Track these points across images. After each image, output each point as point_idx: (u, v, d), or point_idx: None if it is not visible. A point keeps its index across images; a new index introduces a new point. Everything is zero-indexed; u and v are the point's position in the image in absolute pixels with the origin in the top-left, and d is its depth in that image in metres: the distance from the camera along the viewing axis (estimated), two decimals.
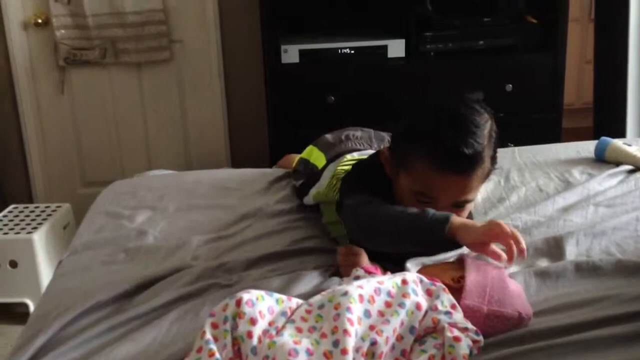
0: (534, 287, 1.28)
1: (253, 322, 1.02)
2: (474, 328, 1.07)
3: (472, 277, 1.14)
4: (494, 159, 1.28)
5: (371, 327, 1.03)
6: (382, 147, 1.69)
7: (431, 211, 1.19)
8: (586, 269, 1.32)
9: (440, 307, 1.08)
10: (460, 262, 1.21)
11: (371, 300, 1.06)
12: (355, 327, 1.01)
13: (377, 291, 1.08)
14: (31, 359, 1.13)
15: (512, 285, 1.18)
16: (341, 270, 1.31)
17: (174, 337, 1.16)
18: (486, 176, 1.29)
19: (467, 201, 1.28)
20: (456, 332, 1.04)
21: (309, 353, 0.98)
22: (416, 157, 1.24)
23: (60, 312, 1.23)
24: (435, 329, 1.06)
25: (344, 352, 0.98)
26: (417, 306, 1.07)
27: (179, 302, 1.26)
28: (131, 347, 1.13)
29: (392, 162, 1.32)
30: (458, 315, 1.08)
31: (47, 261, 2.34)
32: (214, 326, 1.03)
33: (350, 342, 0.99)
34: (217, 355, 0.99)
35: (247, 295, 1.05)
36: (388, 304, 1.07)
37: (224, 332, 1.01)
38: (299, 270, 1.34)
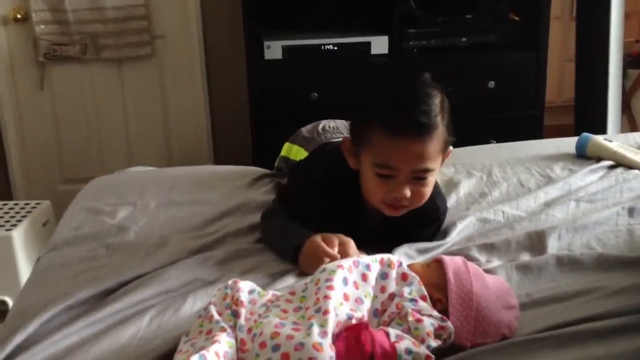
0: (515, 280, 1.28)
1: (242, 304, 1.06)
2: (439, 315, 1.07)
3: (455, 310, 1.09)
4: (449, 129, 1.31)
5: (345, 296, 1.05)
6: None
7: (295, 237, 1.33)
8: (567, 263, 1.33)
9: (406, 294, 1.08)
10: (439, 264, 1.17)
11: (349, 270, 1.09)
12: (336, 291, 1.04)
13: (356, 263, 1.11)
14: (9, 356, 1.12)
15: (497, 299, 1.12)
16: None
17: (154, 332, 1.14)
18: (444, 146, 1.31)
19: (427, 170, 1.30)
20: (418, 316, 1.05)
21: (296, 324, 1.00)
22: (372, 129, 1.29)
23: (39, 309, 1.21)
24: (399, 315, 1.06)
25: (326, 312, 1.00)
26: (381, 289, 1.09)
27: (159, 298, 1.25)
28: (111, 343, 1.12)
29: (353, 147, 1.35)
30: (424, 304, 1.08)
31: (27, 258, 2.31)
32: (219, 314, 1.06)
33: (332, 304, 1.01)
34: (229, 329, 1.03)
35: (241, 283, 1.11)
36: (364, 277, 1.09)
37: (228, 316, 1.06)
38: (284, 263, 1.34)
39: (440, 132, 1.28)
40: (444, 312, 1.09)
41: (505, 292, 1.17)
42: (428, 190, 1.33)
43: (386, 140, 1.26)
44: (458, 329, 1.08)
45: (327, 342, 0.96)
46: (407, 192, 1.30)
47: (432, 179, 1.33)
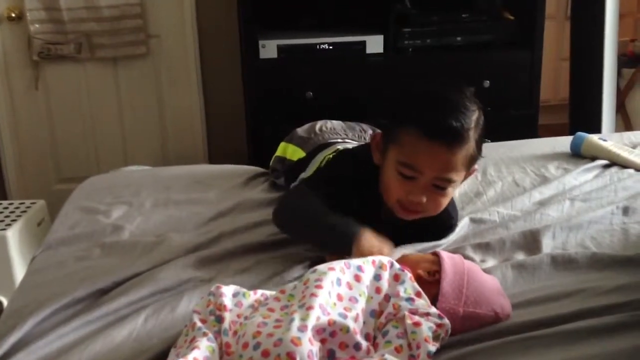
0: (510, 279, 1.29)
1: (225, 308, 1.06)
2: (437, 312, 1.07)
3: (448, 278, 1.14)
4: (479, 147, 1.33)
5: (339, 297, 1.05)
6: (355, 135, 1.71)
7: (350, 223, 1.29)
8: (562, 262, 1.33)
9: (402, 294, 1.09)
10: (436, 255, 1.21)
11: (342, 271, 1.09)
12: (324, 290, 1.04)
13: (347, 265, 1.11)
14: (4, 355, 1.12)
15: (489, 282, 1.18)
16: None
17: (149, 332, 1.15)
18: (470, 161, 1.32)
19: (449, 181, 1.31)
20: (416, 318, 1.05)
21: (278, 321, 1.00)
22: (406, 127, 1.30)
23: (34, 309, 1.21)
24: (395, 316, 1.06)
25: (309, 308, 1.00)
26: (377, 290, 1.09)
27: (155, 297, 1.25)
28: (106, 343, 1.12)
29: (383, 142, 1.36)
30: (420, 302, 1.08)
31: (21, 258, 2.31)
32: (202, 322, 1.05)
33: (317, 301, 1.01)
34: (211, 335, 1.02)
35: (224, 288, 1.10)
36: (357, 278, 1.09)
37: (212, 322, 1.05)
38: (279, 262, 1.34)
39: (469, 146, 1.29)
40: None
41: (498, 285, 1.20)
42: (445, 201, 1.34)
43: (416, 141, 1.27)
44: (450, 295, 1.11)
45: (307, 336, 0.96)
46: (424, 198, 1.31)
47: (451, 191, 1.34)
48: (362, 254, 1.23)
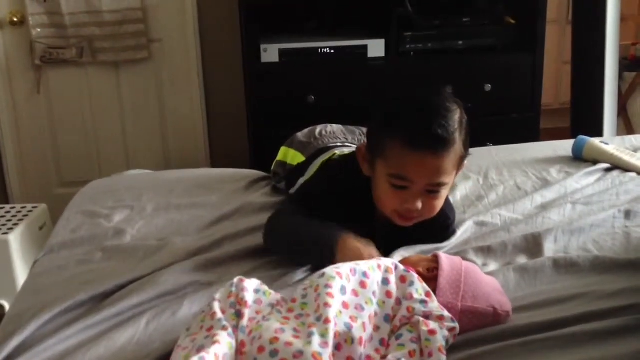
0: (512, 283, 1.29)
1: (246, 304, 1.05)
2: (449, 315, 1.07)
3: (445, 274, 1.15)
4: (466, 145, 1.32)
5: (345, 305, 1.04)
6: (355, 139, 1.71)
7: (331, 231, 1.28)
8: (564, 266, 1.33)
9: (415, 296, 1.09)
10: (435, 257, 1.22)
11: (347, 278, 1.08)
12: (335, 299, 1.03)
13: (353, 271, 1.10)
14: (6, 359, 1.12)
15: (487, 280, 1.19)
16: None
17: (150, 336, 1.15)
18: (459, 161, 1.32)
19: (441, 184, 1.30)
20: (431, 325, 1.04)
21: (296, 331, 0.99)
22: (390, 139, 1.28)
23: (36, 312, 1.21)
24: (410, 320, 1.06)
25: (327, 321, 0.99)
26: (387, 294, 1.09)
27: (156, 301, 1.25)
28: (108, 347, 1.12)
29: (369, 155, 1.35)
30: (433, 304, 1.08)
31: (23, 262, 2.31)
32: (222, 312, 1.05)
33: (332, 312, 1.00)
34: (230, 329, 1.01)
35: (247, 282, 1.10)
36: (363, 284, 1.08)
37: (232, 315, 1.04)
38: (281, 265, 1.34)
39: (457, 147, 1.28)
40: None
41: (497, 283, 1.21)
42: (440, 203, 1.34)
43: (403, 152, 1.27)
44: (447, 289, 1.12)
45: (328, 353, 0.96)
46: (419, 205, 1.30)
47: (444, 192, 1.34)
48: (349, 260, 1.21)
